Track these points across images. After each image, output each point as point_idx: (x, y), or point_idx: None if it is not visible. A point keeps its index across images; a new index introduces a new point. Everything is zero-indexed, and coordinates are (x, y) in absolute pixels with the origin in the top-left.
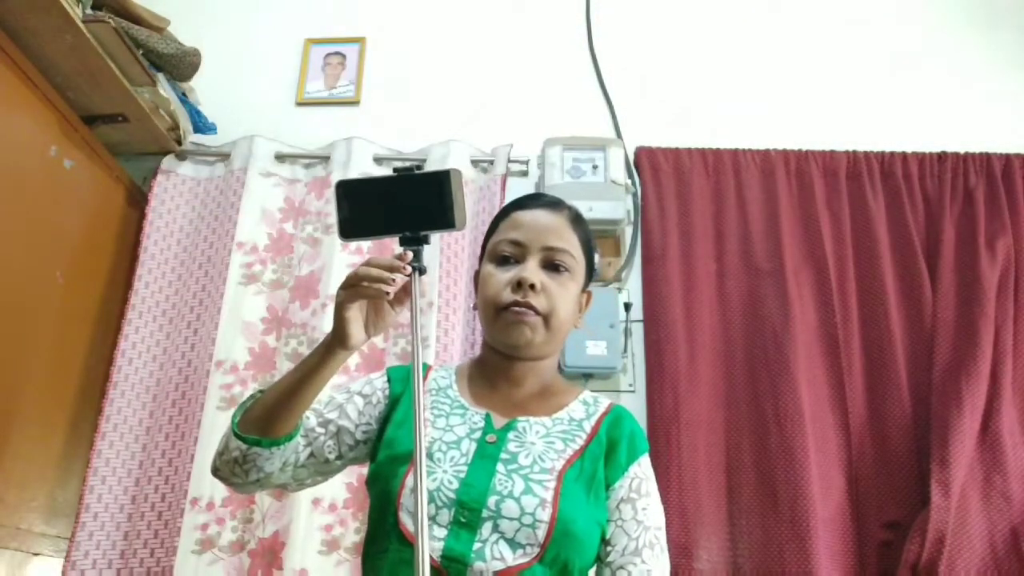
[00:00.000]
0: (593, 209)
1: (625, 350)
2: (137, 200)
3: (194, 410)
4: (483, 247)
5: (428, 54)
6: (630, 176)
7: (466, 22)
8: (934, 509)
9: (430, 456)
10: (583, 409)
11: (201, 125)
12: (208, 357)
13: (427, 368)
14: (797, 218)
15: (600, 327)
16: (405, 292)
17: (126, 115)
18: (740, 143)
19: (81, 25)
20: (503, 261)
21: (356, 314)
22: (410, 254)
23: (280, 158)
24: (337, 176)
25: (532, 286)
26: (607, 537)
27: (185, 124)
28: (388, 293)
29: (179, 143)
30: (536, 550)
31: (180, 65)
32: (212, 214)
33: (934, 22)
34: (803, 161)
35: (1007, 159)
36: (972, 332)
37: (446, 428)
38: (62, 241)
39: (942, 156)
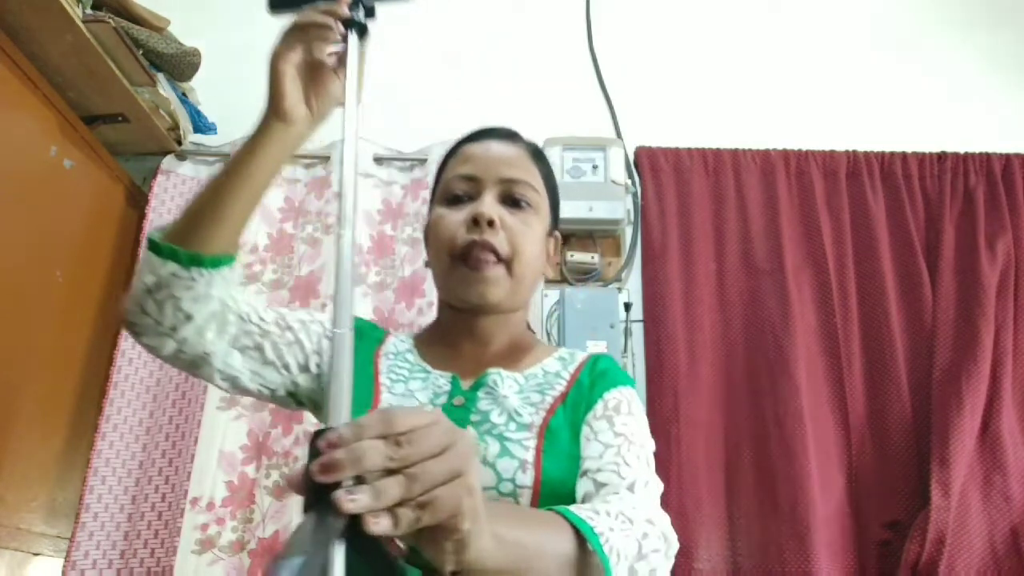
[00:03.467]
0: (593, 209)
1: (625, 350)
2: (137, 200)
3: (194, 410)
4: (432, 193)
5: (428, 54)
6: (630, 176)
7: (466, 22)
8: (934, 509)
9: None
10: (559, 364)
11: (201, 125)
12: None
13: (384, 334)
14: (797, 218)
15: (600, 327)
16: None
17: (126, 115)
18: (740, 143)
19: (81, 25)
20: (455, 200)
21: (291, 70)
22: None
23: None
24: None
25: (491, 222)
26: (581, 455)
27: (185, 124)
28: (328, 37)
29: (179, 143)
30: None
31: (180, 65)
32: None
33: (934, 22)
34: (803, 161)
35: (1007, 159)
36: (972, 332)
37: (405, 393)
38: (62, 241)
39: (942, 156)
